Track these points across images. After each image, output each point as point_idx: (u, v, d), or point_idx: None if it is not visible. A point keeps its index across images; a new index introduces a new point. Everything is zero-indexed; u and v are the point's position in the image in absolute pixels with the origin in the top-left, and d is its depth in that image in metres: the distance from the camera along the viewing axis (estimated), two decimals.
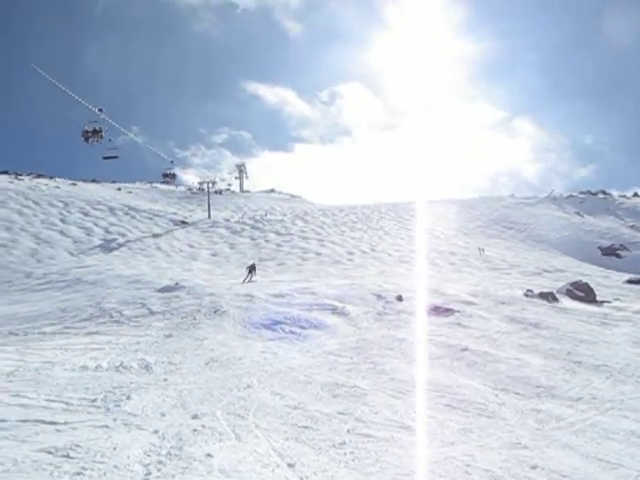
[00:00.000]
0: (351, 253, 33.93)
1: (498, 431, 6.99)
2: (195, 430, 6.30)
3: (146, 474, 5.01)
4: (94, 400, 7.33)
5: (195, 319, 14.52)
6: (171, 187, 62.42)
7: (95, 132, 30.07)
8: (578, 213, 50.29)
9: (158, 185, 63.22)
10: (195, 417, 6.82)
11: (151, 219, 43.73)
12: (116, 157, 32.57)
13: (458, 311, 15.23)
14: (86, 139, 30.30)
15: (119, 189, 59.09)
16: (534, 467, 5.79)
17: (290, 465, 5.51)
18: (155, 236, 38.49)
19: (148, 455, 5.47)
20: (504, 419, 7.53)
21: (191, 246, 36.58)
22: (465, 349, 11.40)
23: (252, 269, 23.18)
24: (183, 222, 43.82)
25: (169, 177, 37.79)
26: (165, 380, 8.81)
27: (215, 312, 15.11)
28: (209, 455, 5.52)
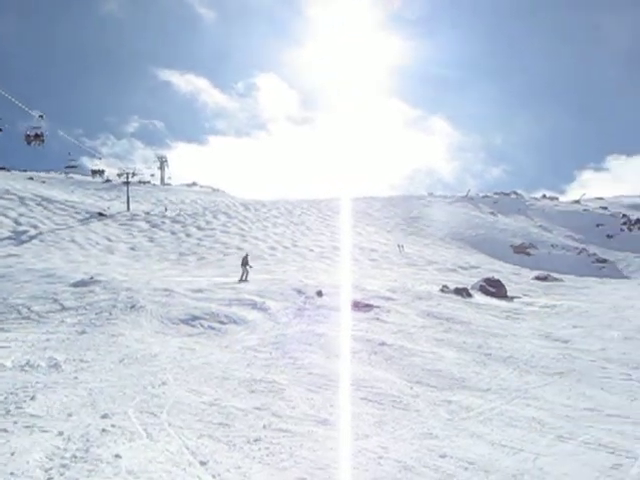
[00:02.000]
0: (273, 248, 33.86)
1: (411, 422, 7.17)
2: (104, 430, 6.05)
3: (47, 479, 4.76)
4: None
5: (110, 315, 13.99)
6: (88, 178, 59.91)
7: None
8: (492, 213, 52.55)
9: (74, 175, 60.50)
10: (105, 416, 6.55)
11: (66, 210, 41.80)
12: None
13: (377, 306, 15.53)
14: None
15: (31, 178, 56.05)
16: (443, 456, 5.98)
17: (203, 463, 5.40)
18: (70, 228, 36.81)
19: (51, 459, 5.20)
20: (417, 411, 7.73)
21: (109, 239, 35.27)
22: (383, 343, 11.63)
23: (245, 262, 21.21)
24: (101, 214, 42.20)
25: (36, 139, 36.13)
26: (75, 378, 8.42)
27: (132, 307, 14.64)
28: (117, 456, 5.32)
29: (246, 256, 21.80)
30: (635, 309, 17.43)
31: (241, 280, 20.09)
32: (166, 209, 44.94)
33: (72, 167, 28.98)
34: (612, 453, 6.22)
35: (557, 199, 61.93)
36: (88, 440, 5.73)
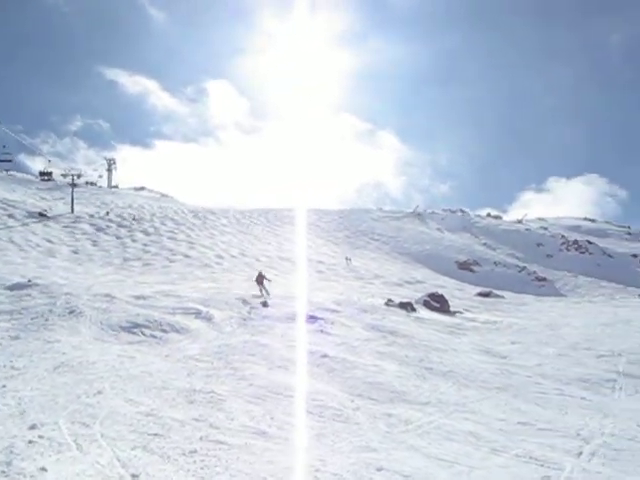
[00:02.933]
0: (220, 257, 33.50)
1: (350, 435, 7.18)
2: (30, 442, 5.77)
3: None
4: None
5: (47, 320, 13.48)
6: (28, 176, 57.87)
7: None
8: (439, 229, 53.68)
9: (15, 173, 58.31)
10: (33, 427, 6.27)
11: (5, 210, 40.18)
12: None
13: (322, 318, 15.55)
14: None
15: None
16: (380, 469, 6.01)
17: (134, 476, 5.23)
18: (9, 228, 35.39)
19: None
20: (357, 423, 7.76)
21: (50, 241, 34.10)
22: (325, 356, 11.63)
23: (261, 281, 19.84)
24: (42, 215, 40.75)
25: (47, 176, 34.49)
26: (3, 387, 8.05)
27: (70, 313, 14.16)
28: (43, 469, 5.08)
29: (260, 273, 20.37)
30: (570, 327, 18.13)
31: (262, 295, 18.96)
32: (107, 213, 43.70)
33: (6, 161, 27.38)
34: (542, 465, 6.41)
35: (501, 218, 63.89)
36: (12, 452, 5.45)
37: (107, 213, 43.84)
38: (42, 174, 50.08)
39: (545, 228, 56.60)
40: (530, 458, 6.66)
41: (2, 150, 28.22)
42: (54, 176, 56.26)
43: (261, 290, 19.45)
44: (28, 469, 5.08)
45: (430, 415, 8.46)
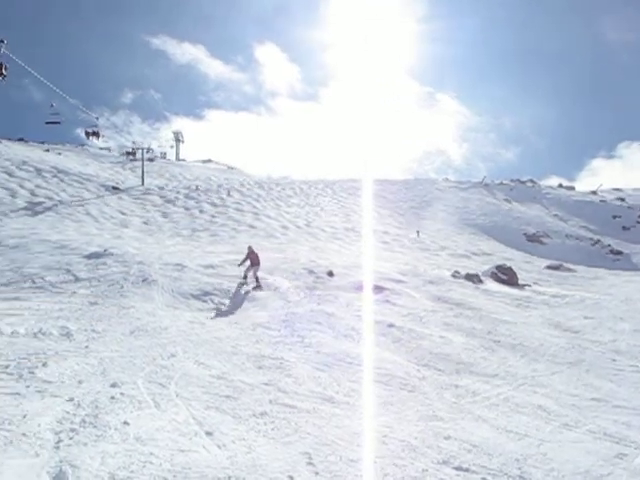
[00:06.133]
0: (286, 228, 33.83)
1: (417, 404, 7.21)
2: (113, 398, 6.15)
3: (57, 442, 4.85)
4: (6, 366, 7.02)
5: (122, 287, 14.12)
6: (103, 151, 60.15)
7: None
8: (507, 200, 52.04)
9: (89, 148, 60.69)
10: (114, 385, 6.65)
11: (81, 183, 41.96)
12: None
13: (387, 289, 15.52)
14: None
15: (47, 150, 56.28)
16: (447, 438, 6.01)
17: (208, 433, 5.48)
18: (85, 201, 37.03)
19: (61, 423, 5.30)
20: (424, 393, 7.76)
21: (122, 213, 35.43)
22: (392, 325, 11.65)
23: (254, 261, 16.01)
24: (115, 188, 42.32)
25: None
26: (86, 347, 8.55)
27: (144, 281, 14.75)
28: (125, 423, 5.41)
29: (250, 249, 16.38)
30: None
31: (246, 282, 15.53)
32: (197, 187, 43.98)
33: (54, 123, 27.76)
34: (617, 443, 6.22)
35: (573, 189, 61.21)
36: (97, 407, 5.83)
37: (196, 188, 44.13)
38: (128, 153, 53.09)
39: (622, 199, 53.79)
40: (605, 435, 6.48)
41: (51, 110, 28.58)
42: (114, 148, 58.26)
43: (247, 276, 15.71)
44: (112, 422, 5.41)
45: (498, 387, 8.35)
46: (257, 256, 16.15)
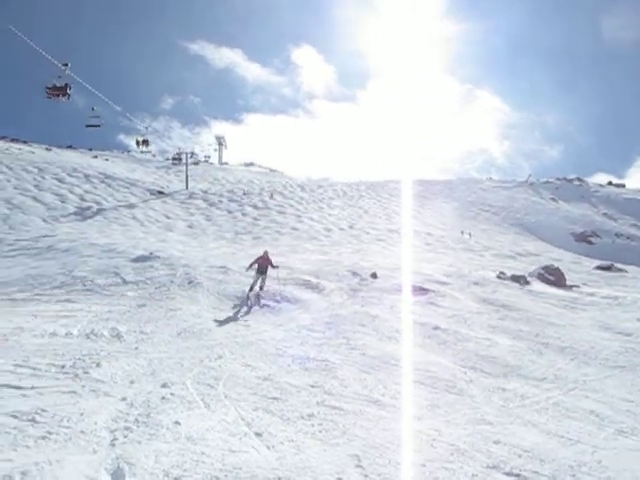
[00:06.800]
0: (328, 230, 33.95)
1: (464, 407, 7.12)
2: (164, 398, 6.29)
3: (112, 440, 4.99)
4: (63, 366, 7.26)
5: (169, 290, 14.43)
6: (147, 156, 61.60)
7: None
8: (553, 199, 50.89)
9: (135, 154, 62.29)
10: (164, 385, 6.81)
11: (127, 188, 43.10)
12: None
13: (432, 290, 15.38)
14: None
15: (95, 157, 58.00)
16: (497, 442, 5.92)
17: (258, 434, 5.54)
18: (131, 205, 37.98)
19: (115, 421, 5.46)
20: (471, 396, 7.66)
21: (167, 217, 36.22)
22: (437, 327, 11.54)
23: (265, 264, 14.72)
24: (160, 192, 43.31)
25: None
26: (136, 349, 8.77)
27: (189, 283, 15.04)
28: (177, 423, 5.53)
29: (265, 256, 14.99)
30: None
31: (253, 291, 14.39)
32: (245, 192, 44.67)
33: (94, 126, 28.13)
34: None
35: (624, 186, 59.35)
36: (149, 406, 5.98)
37: (244, 192, 44.77)
38: (174, 159, 55.65)
39: None
40: None
41: (91, 114, 29.13)
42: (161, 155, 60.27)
43: (255, 284, 14.45)
44: (164, 421, 5.54)
45: (547, 391, 8.17)
46: (269, 264, 14.73)
